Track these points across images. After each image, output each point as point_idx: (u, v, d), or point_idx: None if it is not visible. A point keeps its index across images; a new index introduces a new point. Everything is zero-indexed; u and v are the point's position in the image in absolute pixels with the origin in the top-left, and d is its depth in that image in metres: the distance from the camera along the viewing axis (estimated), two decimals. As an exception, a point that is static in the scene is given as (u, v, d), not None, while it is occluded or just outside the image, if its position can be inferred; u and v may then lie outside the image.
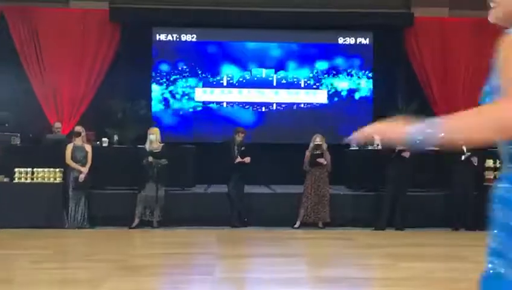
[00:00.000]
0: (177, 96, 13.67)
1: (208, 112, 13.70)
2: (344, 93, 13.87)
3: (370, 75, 13.88)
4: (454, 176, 10.29)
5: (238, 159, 10.41)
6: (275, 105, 13.80)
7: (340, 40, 13.86)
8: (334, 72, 13.86)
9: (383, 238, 9.38)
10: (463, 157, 10.14)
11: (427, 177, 10.78)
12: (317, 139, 10.46)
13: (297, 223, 10.29)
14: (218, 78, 13.73)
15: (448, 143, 1.73)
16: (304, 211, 10.26)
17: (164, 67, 13.67)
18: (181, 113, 13.66)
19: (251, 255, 8.02)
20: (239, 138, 10.58)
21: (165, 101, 13.66)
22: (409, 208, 10.35)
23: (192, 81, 13.70)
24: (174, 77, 13.66)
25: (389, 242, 9.02)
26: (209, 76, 13.72)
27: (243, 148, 10.54)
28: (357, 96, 13.88)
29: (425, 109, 13.25)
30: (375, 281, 6.43)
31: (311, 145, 10.47)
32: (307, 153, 10.46)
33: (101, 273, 6.27)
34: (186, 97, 13.70)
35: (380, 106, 13.21)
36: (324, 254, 8.21)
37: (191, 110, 13.69)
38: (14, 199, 9.93)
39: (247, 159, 10.39)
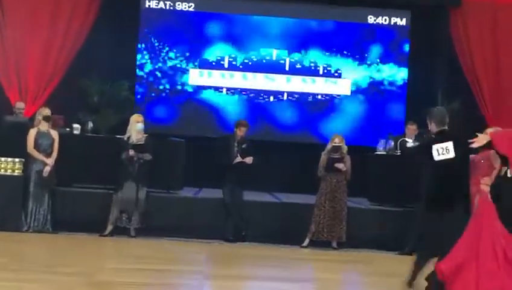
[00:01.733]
0: (167, 78, 13.68)
1: (203, 99, 13.72)
2: (371, 84, 13.87)
3: (405, 63, 13.86)
4: (504, 194, 10.25)
5: (238, 159, 10.43)
6: (286, 94, 13.81)
7: (371, 20, 13.84)
8: (361, 58, 13.86)
9: (410, 265, 9.35)
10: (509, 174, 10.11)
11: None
12: (336, 140, 10.46)
13: (306, 241, 10.31)
14: (218, 58, 13.74)
15: None
16: (315, 226, 10.28)
17: (153, 42, 13.68)
18: (170, 98, 13.68)
19: (247, 277, 8.00)
20: (240, 132, 10.58)
21: (152, 83, 13.68)
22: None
23: (186, 60, 13.70)
24: (164, 54, 13.67)
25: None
26: (206, 55, 13.73)
27: (244, 145, 10.54)
28: (387, 88, 13.87)
29: (470, 108, 13.23)
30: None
31: (329, 146, 10.48)
32: (323, 156, 10.47)
33: (62, 289, 6.30)
34: (178, 80, 13.71)
35: (415, 102, 13.19)
36: (337, 280, 8.22)
37: (182, 95, 13.71)
38: (-39, 194, 9.96)
39: (249, 160, 10.40)
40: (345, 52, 13.84)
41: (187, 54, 13.69)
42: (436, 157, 6.53)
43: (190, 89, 13.72)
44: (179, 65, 13.70)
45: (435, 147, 6.53)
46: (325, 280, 8.29)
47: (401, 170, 10.66)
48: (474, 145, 6.14)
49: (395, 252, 10.19)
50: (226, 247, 10.05)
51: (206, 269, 8.03)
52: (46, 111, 10.32)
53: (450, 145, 6.51)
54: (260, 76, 13.76)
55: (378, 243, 10.46)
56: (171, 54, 13.68)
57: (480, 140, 6.10)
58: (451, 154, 6.49)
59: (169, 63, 13.69)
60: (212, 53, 13.73)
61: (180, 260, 8.98)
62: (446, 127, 6.70)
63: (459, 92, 13.43)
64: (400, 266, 9.12)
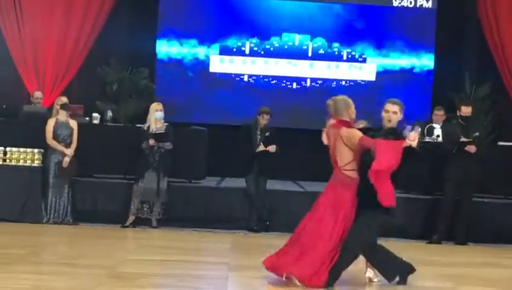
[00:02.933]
0: (188, 65, 13.64)
1: (224, 86, 13.66)
2: (397, 69, 13.76)
3: (431, 47, 13.72)
4: None
5: (261, 148, 10.33)
6: (309, 81, 13.73)
7: (395, 2, 13.73)
8: (386, 42, 13.72)
9: (439, 255, 9.24)
10: None
11: (499, 180, 10.61)
12: (361, 126, 10.31)
13: None
14: (239, 44, 13.67)
15: None
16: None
17: (173, 27, 13.63)
18: (191, 86, 13.62)
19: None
20: (263, 120, 10.48)
21: (172, 70, 13.63)
22: (473, 218, 10.21)
23: (206, 46, 13.64)
24: (184, 40, 13.62)
25: (448, 260, 8.89)
26: (228, 41, 13.65)
27: (267, 133, 10.45)
28: (413, 73, 13.74)
29: (499, 93, 13.08)
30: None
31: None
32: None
33: (84, 282, 6.24)
34: (199, 67, 13.66)
35: (443, 87, 13.09)
36: (362, 269, 8.10)
37: (203, 83, 13.65)
38: (-19, 186, 9.97)
39: (272, 148, 10.30)
40: (369, 36, 13.70)
41: (207, 41, 13.62)
42: None
43: (211, 76, 13.64)
44: (199, 52, 13.64)
45: None
46: (352, 270, 8.17)
47: (428, 156, 10.52)
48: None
49: (424, 241, 10.12)
50: (250, 237, 9.99)
51: (230, 259, 7.95)
52: (63, 99, 10.28)
53: None
54: (282, 62, 13.67)
55: (406, 232, 10.36)
56: (191, 41, 13.62)
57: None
58: None
59: (190, 50, 13.62)
60: (233, 39, 13.64)
61: (203, 250, 8.93)
62: None
63: (488, 76, 13.28)
64: (428, 256, 9.04)
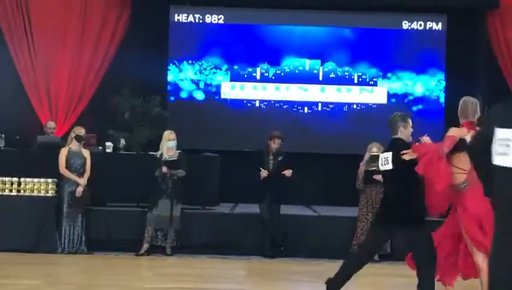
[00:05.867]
0: (199, 92, 13.69)
1: (236, 112, 13.67)
2: (408, 92, 13.73)
3: (442, 69, 13.72)
4: None
5: (264, 174, 10.21)
6: (320, 105, 13.73)
7: (405, 25, 13.75)
8: (396, 65, 13.73)
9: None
10: None
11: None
12: (374, 150, 10.23)
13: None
14: (250, 70, 13.71)
15: None
16: (355, 239, 10.14)
17: (183, 55, 13.70)
18: (203, 112, 13.65)
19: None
20: (275, 144, 10.46)
21: (184, 98, 13.68)
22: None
23: (217, 74, 13.70)
24: (195, 67, 13.68)
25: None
26: (238, 67, 13.70)
27: (280, 158, 10.42)
28: (425, 96, 13.73)
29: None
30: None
31: (366, 156, 10.31)
32: (361, 167, 10.32)
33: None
34: (210, 93, 13.70)
35: (454, 109, 12.97)
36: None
37: (215, 109, 13.68)
38: (-5, 216, 10.00)
39: (288, 173, 10.25)
40: (379, 59, 13.73)
41: (218, 67, 13.68)
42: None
43: (222, 103, 13.69)
44: (210, 78, 13.70)
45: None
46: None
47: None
48: (406, 158, 6.22)
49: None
50: (265, 263, 9.95)
51: (246, 286, 7.94)
52: (80, 130, 10.30)
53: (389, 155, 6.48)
54: (293, 87, 13.70)
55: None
56: (202, 68, 13.68)
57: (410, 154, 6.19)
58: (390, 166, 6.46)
59: (201, 77, 13.69)
60: (244, 65, 13.69)
61: (219, 277, 8.92)
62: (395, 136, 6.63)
63: (500, 97, 13.20)
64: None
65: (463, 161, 6.02)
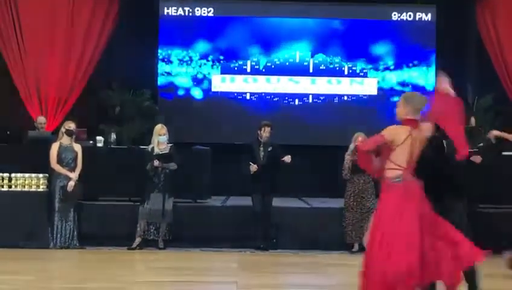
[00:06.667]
0: (189, 85, 13.67)
1: (227, 105, 13.67)
2: (398, 83, 13.76)
3: (432, 60, 13.74)
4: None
5: (253, 168, 10.16)
6: (311, 97, 13.75)
7: (395, 16, 13.77)
8: (386, 56, 13.75)
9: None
10: None
11: (506, 190, 10.57)
12: (360, 139, 10.18)
13: (356, 247, 10.13)
14: (240, 62, 13.71)
15: None
16: (345, 228, 10.20)
17: (173, 49, 13.67)
18: (194, 106, 13.65)
19: (281, 286, 7.93)
20: (265, 133, 10.35)
21: (174, 90, 13.67)
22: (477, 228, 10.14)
23: (208, 66, 13.69)
24: (185, 61, 13.66)
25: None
26: (228, 60, 13.70)
27: (270, 148, 10.39)
28: (415, 86, 13.75)
29: (502, 104, 13.07)
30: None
31: (351, 146, 10.23)
32: (347, 157, 10.31)
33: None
34: (201, 86, 13.69)
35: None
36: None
37: (206, 102, 13.68)
38: (-14, 212, 9.97)
39: (288, 158, 10.19)
40: (369, 50, 13.75)
41: (208, 60, 13.67)
42: None
43: (213, 96, 13.68)
44: (200, 71, 13.68)
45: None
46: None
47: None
48: None
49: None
50: (257, 255, 9.97)
51: (239, 279, 7.95)
52: (69, 125, 10.28)
53: None
54: (284, 79, 13.71)
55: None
56: (192, 61, 13.66)
57: None
58: None
59: (191, 70, 13.67)
60: (234, 58, 13.69)
61: (211, 270, 8.93)
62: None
63: (490, 87, 13.28)
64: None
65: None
